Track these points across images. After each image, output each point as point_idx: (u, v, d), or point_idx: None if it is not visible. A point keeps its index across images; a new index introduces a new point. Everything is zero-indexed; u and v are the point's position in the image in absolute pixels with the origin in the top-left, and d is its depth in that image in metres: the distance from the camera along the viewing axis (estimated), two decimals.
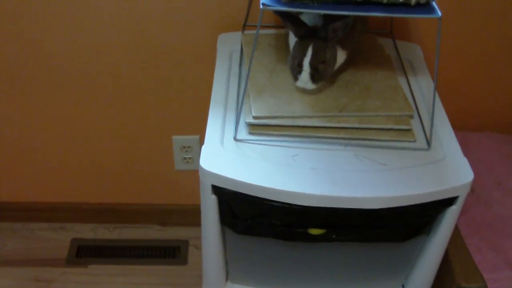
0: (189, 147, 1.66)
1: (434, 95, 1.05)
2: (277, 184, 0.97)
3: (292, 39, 1.10)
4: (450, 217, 1.04)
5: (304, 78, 1.06)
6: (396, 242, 1.09)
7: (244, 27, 1.33)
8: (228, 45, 1.30)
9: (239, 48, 1.28)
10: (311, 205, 0.97)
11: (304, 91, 1.11)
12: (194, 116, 1.58)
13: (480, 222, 1.29)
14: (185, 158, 1.69)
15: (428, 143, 1.05)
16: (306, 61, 1.04)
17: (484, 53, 1.46)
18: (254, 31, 1.31)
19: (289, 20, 1.05)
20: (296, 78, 1.08)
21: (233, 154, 1.02)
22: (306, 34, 1.05)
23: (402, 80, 1.20)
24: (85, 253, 1.78)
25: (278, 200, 0.98)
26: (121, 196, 1.81)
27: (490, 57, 1.47)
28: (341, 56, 1.10)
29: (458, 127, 1.22)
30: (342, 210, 0.97)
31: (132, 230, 1.86)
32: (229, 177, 0.98)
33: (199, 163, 1.00)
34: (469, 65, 1.49)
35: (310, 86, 1.07)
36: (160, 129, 1.62)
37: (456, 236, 1.25)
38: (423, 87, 1.21)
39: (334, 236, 1.05)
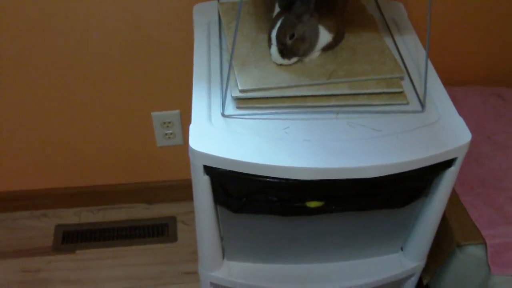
0: (169, 122, 1.61)
1: (426, 58, 1.02)
2: (271, 160, 0.93)
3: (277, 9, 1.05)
4: (448, 178, 1.02)
5: (274, 52, 1.03)
6: (395, 208, 1.07)
7: None
8: (205, 16, 1.24)
9: (216, 18, 1.23)
10: (307, 178, 0.94)
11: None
12: (172, 90, 1.53)
13: (473, 179, 1.28)
14: (166, 134, 1.64)
15: (422, 105, 1.03)
16: (273, 34, 1.00)
17: (464, 4, 1.44)
18: None
19: None
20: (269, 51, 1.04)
21: (223, 131, 0.98)
22: (286, 6, 1.00)
23: (388, 41, 1.16)
24: (71, 238, 1.73)
25: (273, 176, 0.94)
26: (103, 177, 1.76)
27: (469, 9, 1.44)
28: (326, 36, 1.04)
29: (443, 82, 1.20)
30: (340, 181, 0.95)
31: (117, 211, 1.82)
32: (221, 156, 0.94)
33: (185, 140, 0.96)
34: (450, 20, 1.46)
35: (280, 61, 1.04)
36: (138, 106, 1.57)
37: (451, 195, 1.24)
38: (410, 46, 1.18)
39: (333, 207, 1.02)
